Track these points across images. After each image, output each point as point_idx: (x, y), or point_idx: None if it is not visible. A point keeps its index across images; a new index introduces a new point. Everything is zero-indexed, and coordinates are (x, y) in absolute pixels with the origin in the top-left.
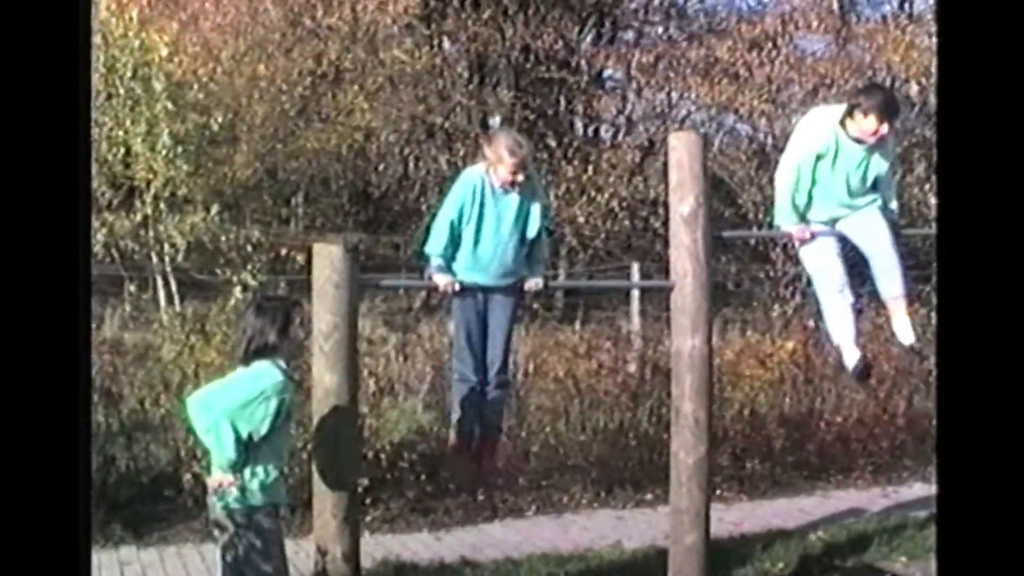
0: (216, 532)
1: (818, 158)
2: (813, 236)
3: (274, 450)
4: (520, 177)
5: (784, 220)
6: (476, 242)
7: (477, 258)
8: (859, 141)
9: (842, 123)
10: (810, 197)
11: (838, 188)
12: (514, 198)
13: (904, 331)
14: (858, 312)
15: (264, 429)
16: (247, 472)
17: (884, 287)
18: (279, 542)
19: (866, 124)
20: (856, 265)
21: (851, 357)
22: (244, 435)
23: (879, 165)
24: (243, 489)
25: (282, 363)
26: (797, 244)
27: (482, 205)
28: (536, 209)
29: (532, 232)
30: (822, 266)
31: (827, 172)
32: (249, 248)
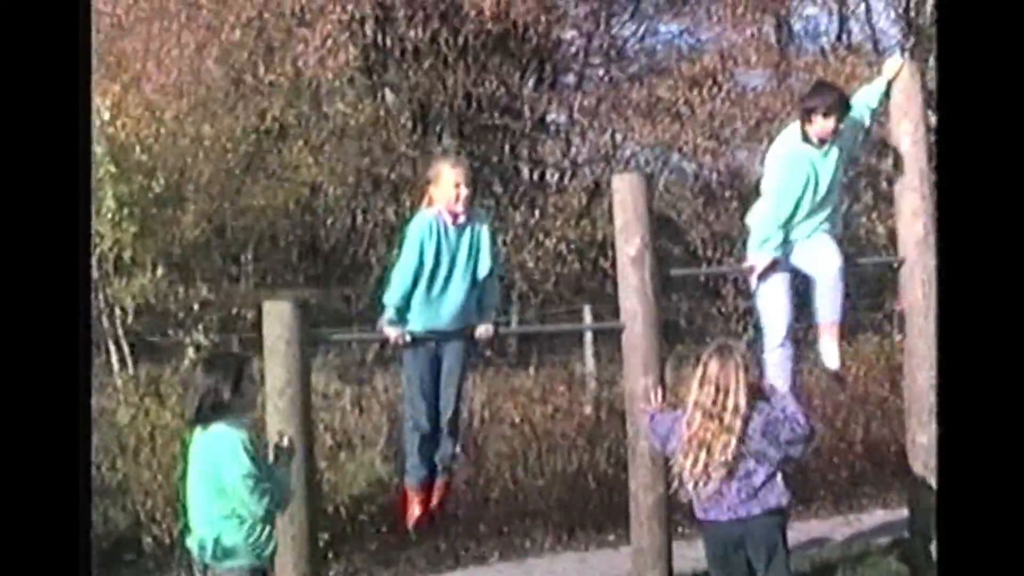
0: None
1: (804, 189)
2: (775, 264)
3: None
4: (465, 191)
5: (768, 250)
6: (430, 287)
7: (431, 303)
8: (821, 143)
9: (805, 138)
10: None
11: (812, 204)
12: (465, 237)
13: (831, 356)
14: (796, 359)
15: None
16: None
17: (821, 311)
18: None
19: (827, 123)
20: (805, 292)
21: None
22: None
23: (836, 163)
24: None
25: (238, 421)
26: (752, 278)
27: (438, 248)
28: (486, 247)
29: (483, 271)
30: (770, 310)
31: (810, 197)
32: (199, 308)
